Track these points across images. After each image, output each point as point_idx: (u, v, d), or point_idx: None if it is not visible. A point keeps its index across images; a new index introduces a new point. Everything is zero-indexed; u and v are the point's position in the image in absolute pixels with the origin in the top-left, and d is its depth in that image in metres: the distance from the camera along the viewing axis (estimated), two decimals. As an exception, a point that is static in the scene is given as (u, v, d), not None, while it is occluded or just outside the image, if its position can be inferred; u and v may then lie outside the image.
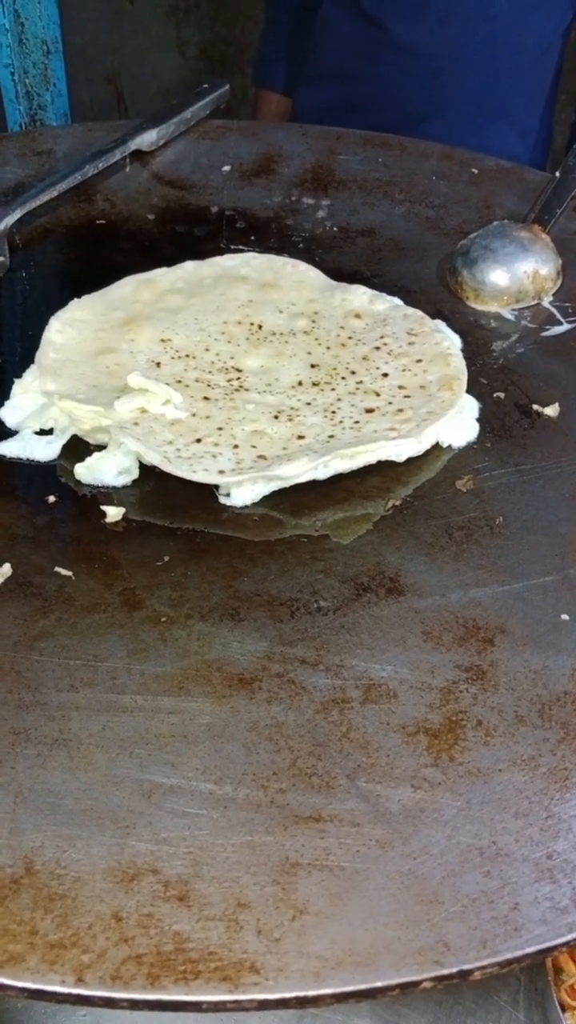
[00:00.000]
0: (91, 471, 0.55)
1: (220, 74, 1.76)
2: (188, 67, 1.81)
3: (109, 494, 0.54)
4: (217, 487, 0.54)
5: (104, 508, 0.52)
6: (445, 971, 0.32)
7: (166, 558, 0.50)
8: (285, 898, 0.34)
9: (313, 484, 0.55)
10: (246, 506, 0.54)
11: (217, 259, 0.70)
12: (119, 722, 0.41)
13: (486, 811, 0.38)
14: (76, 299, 0.65)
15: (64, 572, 0.49)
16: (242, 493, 0.54)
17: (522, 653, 0.46)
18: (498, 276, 0.69)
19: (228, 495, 0.54)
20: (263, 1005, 0.30)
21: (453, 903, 0.34)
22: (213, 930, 0.33)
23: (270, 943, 0.33)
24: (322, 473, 0.55)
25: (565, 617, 0.48)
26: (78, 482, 0.55)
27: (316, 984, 0.31)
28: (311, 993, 0.31)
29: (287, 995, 0.31)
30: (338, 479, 0.56)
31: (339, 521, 0.53)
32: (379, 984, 0.31)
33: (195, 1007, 0.31)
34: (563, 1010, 0.55)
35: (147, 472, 0.55)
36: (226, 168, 0.81)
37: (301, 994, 0.31)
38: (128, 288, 0.67)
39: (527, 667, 0.45)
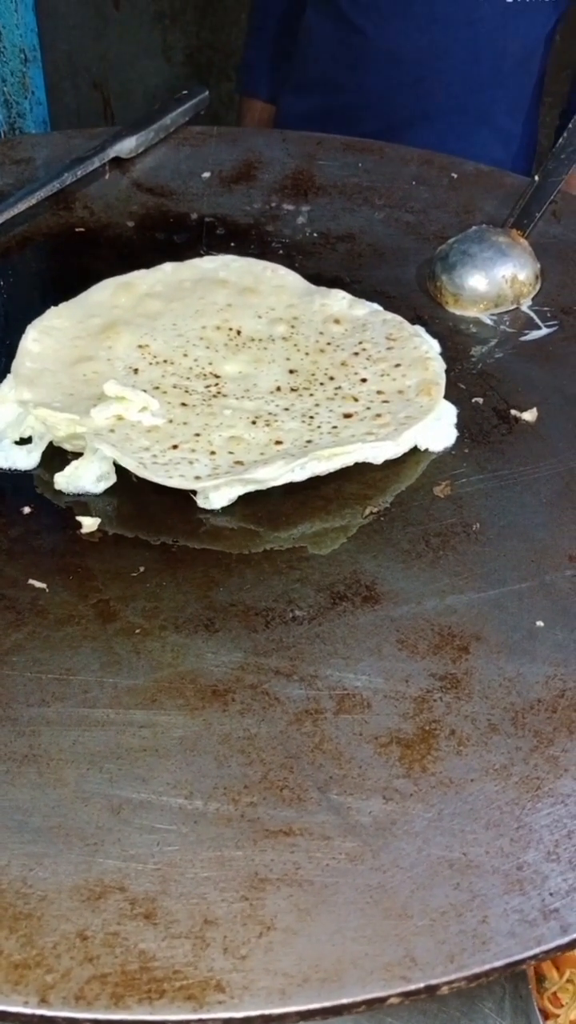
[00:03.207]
0: (70, 480, 0.55)
1: (206, 80, 1.76)
2: (174, 73, 1.81)
3: (86, 504, 0.54)
4: (195, 492, 0.54)
5: (80, 519, 0.52)
6: (412, 987, 0.31)
7: (141, 569, 0.50)
8: (253, 914, 0.34)
9: (291, 492, 0.55)
10: (222, 509, 0.53)
11: (196, 261, 0.70)
12: (90, 737, 0.41)
13: (457, 822, 0.38)
14: (53, 307, 0.65)
15: (38, 584, 0.48)
16: (218, 495, 0.54)
17: (497, 661, 0.46)
18: (477, 281, 0.69)
19: (207, 498, 0.54)
20: (227, 1024, 0.30)
21: (422, 917, 0.34)
22: (179, 948, 0.33)
23: (236, 960, 0.32)
24: (299, 475, 0.55)
25: (540, 624, 0.47)
26: (57, 492, 0.54)
27: (282, 1002, 0.31)
28: (276, 1011, 0.31)
29: (252, 1013, 0.31)
30: (316, 486, 0.55)
31: (317, 532, 0.53)
32: (345, 1001, 0.31)
33: (159, 1027, 0.30)
34: (546, 1017, 0.55)
35: (125, 483, 0.54)
36: (206, 174, 0.81)
37: (266, 1012, 0.31)
38: (106, 292, 0.67)
39: (501, 675, 0.45)
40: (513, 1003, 0.59)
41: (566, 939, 0.33)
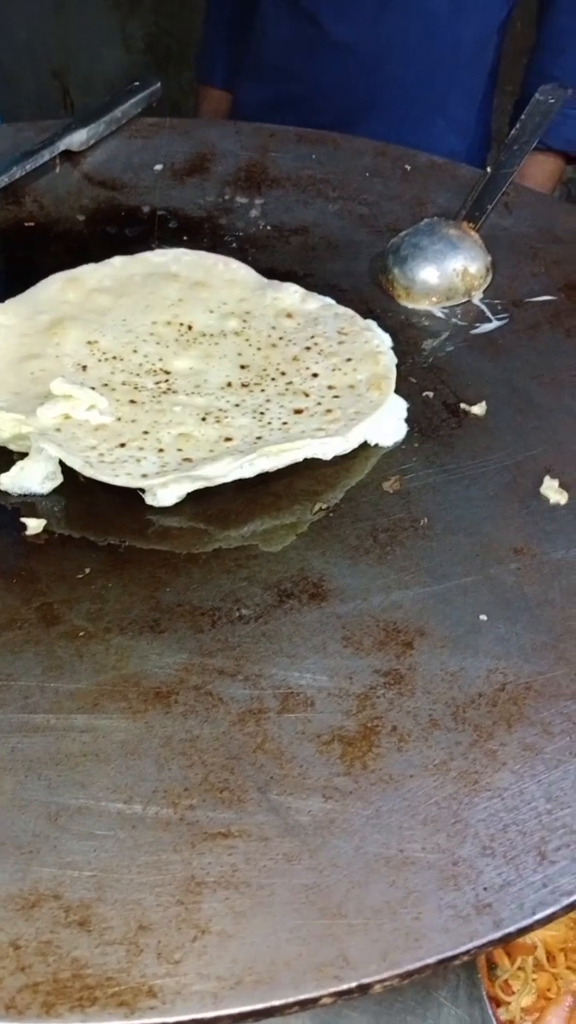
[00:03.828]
0: (15, 481, 0.54)
1: (165, 68, 1.75)
2: (133, 61, 1.79)
3: (33, 505, 0.53)
4: (143, 490, 0.54)
5: (24, 520, 0.52)
6: (344, 986, 0.32)
7: (87, 570, 0.50)
8: (188, 918, 0.34)
9: (240, 489, 0.55)
10: (172, 508, 0.53)
11: (146, 254, 0.69)
12: (29, 743, 0.41)
13: (395, 818, 0.38)
14: (0, 304, 0.64)
15: (-20, 588, 0.48)
16: (167, 492, 0.54)
17: (440, 655, 0.46)
18: (428, 274, 0.69)
19: (155, 495, 0.53)
20: (159, 1029, 0.30)
21: (356, 916, 0.34)
22: (112, 955, 0.33)
23: (170, 966, 0.33)
24: (248, 472, 0.55)
25: (483, 617, 0.48)
26: (4, 493, 0.54)
27: (214, 1006, 0.31)
28: (208, 1015, 0.31)
29: (184, 1018, 0.31)
30: (267, 483, 0.55)
31: (267, 529, 0.53)
32: (277, 1003, 0.31)
33: (91, 1034, 0.30)
34: (497, 1005, 0.55)
35: (73, 483, 0.54)
36: (158, 167, 0.80)
37: (198, 1016, 0.31)
38: (54, 288, 0.66)
39: (444, 669, 0.45)
40: (467, 991, 0.60)
41: (499, 934, 0.33)
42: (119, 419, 0.57)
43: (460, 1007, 0.59)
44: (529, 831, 0.38)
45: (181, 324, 0.65)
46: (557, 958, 0.58)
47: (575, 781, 0.40)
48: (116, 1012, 0.31)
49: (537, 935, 0.57)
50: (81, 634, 0.46)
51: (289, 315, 0.66)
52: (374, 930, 0.34)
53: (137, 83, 0.84)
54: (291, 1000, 0.31)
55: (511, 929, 0.33)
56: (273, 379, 0.61)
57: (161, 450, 0.56)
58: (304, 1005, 0.31)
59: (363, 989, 0.31)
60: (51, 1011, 0.31)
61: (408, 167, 0.81)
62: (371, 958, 0.33)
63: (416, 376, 0.63)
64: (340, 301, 0.67)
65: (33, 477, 0.54)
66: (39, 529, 0.52)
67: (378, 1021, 0.60)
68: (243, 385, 0.61)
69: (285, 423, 0.58)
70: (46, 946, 0.33)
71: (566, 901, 0.34)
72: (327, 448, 0.57)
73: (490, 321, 0.68)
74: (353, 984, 0.32)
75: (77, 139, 0.79)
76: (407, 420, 0.60)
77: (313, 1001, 0.31)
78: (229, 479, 0.55)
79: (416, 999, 0.61)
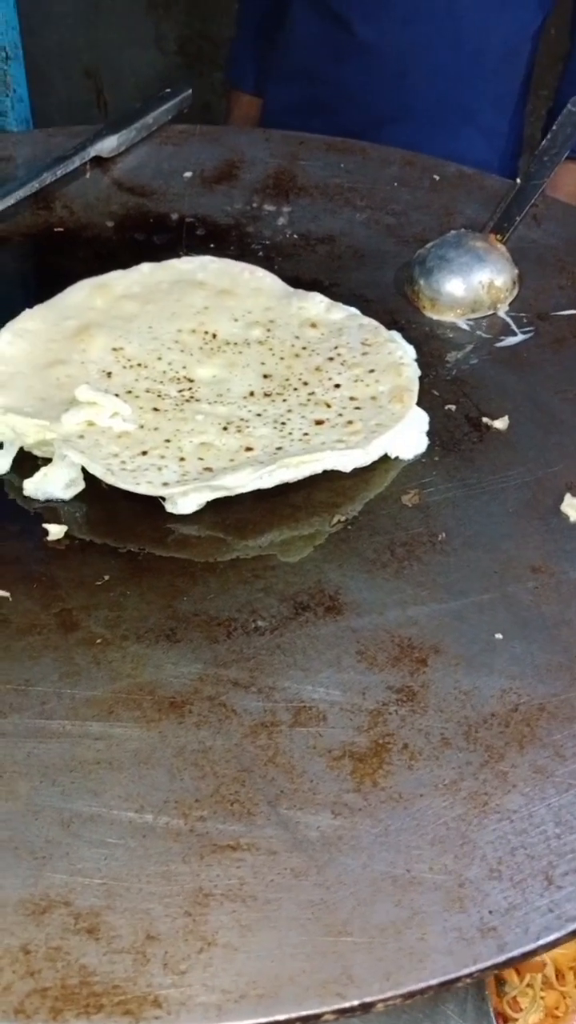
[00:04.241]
0: (39, 486, 0.55)
1: (198, 70, 1.75)
2: (167, 62, 1.80)
3: (55, 511, 0.54)
4: (163, 498, 0.54)
5: (47, 526, 0.53)
6: (347, 1004, 0.32)
7: (106, 577, 0.50)
8: (195, 930, 0.35)
9: (260, 499, 0.55)
10: (191, 517, 0.54)
11: (173, 262, 0.70)
12: (45, 749, 0.41)
13: (403, 837, 0.38)
14: (28, 309, 0.65)
15: (1, 593, 0.49)
16: (186, 501, 0.54)
17: (454, 674, 0.46)
18: (454, 286, 0.69)
19: (175, 503, 0.54)
20: (163, 1039, 0.31)
21: (361, 934, 0.35)
22: (120, 963, 0.33)
23: (176, 976, 0.33)
24: (267, 482, 0.55)
25: (499, 636, 0.48)
26: (27, 498, 0.55)
27: (217, 1018, 0.32)
28: (211, 1027, 0.31)
29: (187, 1029, 0.31)
30: (286, 493, 0.56)
31: (285, 540, 0.53)
32: (279, 1018, 0.32)
33: (96, 1041, 0.31)
34: (505, 1021, 0.55)
35: (96, 489, 0.55)
36: (187, 174, 0.81)
37: (201, 1028, 0.31)
38: (81, 294, 0.67)
39: (457, 688, 0.45)
40: (475, 1005, 0.60)
41: (502, 957, 0.34)
42: (142, 427, 0.58)
43: (468, 1021, 0.59)
44: (537, 855, 0.38)
45: (206, 332, 0.65)
46: (566, 976, 0.58)
47: (585, 805, 0.40)
48: (121, 1020, 0.31)
49: (547, 953, 0.57)
50: (98, 641, 0.47)
51: (313, 325, 0.66)
52: (378, 949, 0.34)
53: (169, 90, 0.85)
54: (294, 1016, 0.31)
55: (515, 953, 0.33)
56: (295, 389, 0.62)
57: (182, 459, 0.56)
58: (306, 1021, 0.31)
59: (365, 1008, 0.32)
60: (58, 1017, 0.31)
61: (436, 177, 0.81)
62: (374, 977, 0.33)
63: (439, 389, 0.63)
64: (365, 311, 0.67)
65: (56, 483, 0.55)
66: (60, 535, 0.52)
67: (384, 1032, 0.60)
68: (265, 395, 0.61)
69: (306, 434, 0.58)
70: (55, 952, 0.33)
71: (572, 927, 0.34)
72: (347, 460, 0.57)
73: (515, 334, 0.68)
74: (356, 1002, 0.32)
75: (108, 145, 0.80)
76: (428, 433, 0.60)
77: (315, 1018, 0.31)
78: (248, 489, 0.55)
79: (424, 1011, 0.61)
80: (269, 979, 0.33)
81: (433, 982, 0.33)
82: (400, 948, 0.34)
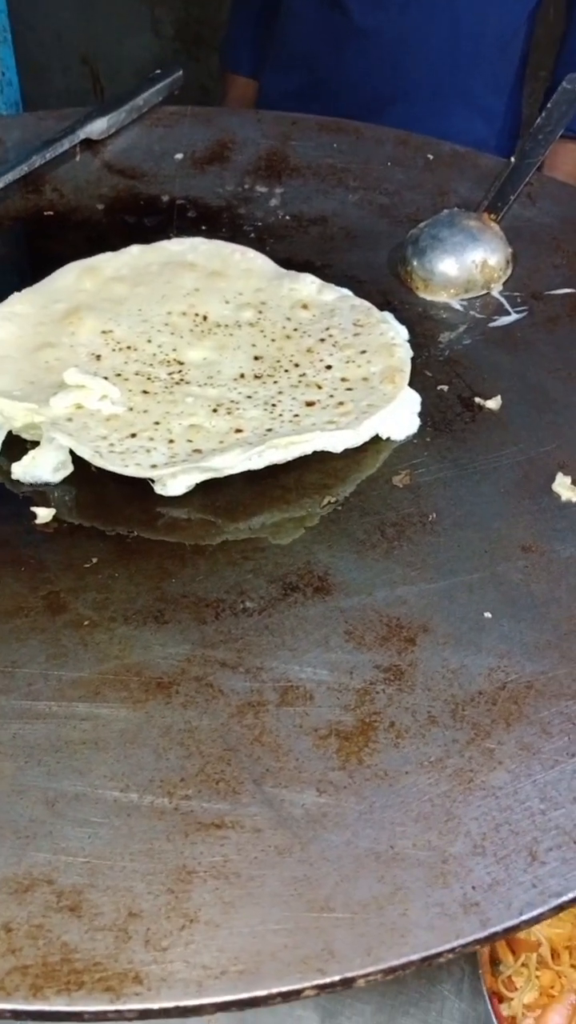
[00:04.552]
0: (27, 470, 0.55)
1: (195, 54, 1.74)
2: (163, 47, 1.79)
3: (44, 494, 0.54)
4: (153, 480, 0.54)
5: (35, 509, 0.52)
6: (327, 979, 0.32)
7: (95, 560, 0.50)
8: (177, 907, 0.35)
9: (250, 482, 0.55)
10: (181, 499, 0.53)
11: (164, 243, 0.70)
12: (31, 729, 0.41)
13: (388, 814, 0.38)
14: (16, 292, 0.64)
15: (-11, 576, 0.49)
16: (176, 482, 0.54)
17: (442, 652, 0.46)
18: (447, 266, 0.69)
19: (164, 484, 0.54)
20: (144, 1015, 0.31)
21: (344, 910, 0.34)
22: (101, 941, 0.33)
23: (157, 953, 0.33)
24: (256, 463, 0.55)
25: (488, 615, 0.48)
26: (16, 482, 0.55)
27: (198, 994, 0.32)
28: (192, 1003, 0.31)
29: (168, 1005, 0.31)
30: (276, 475, 0.55)
31: (276, 522, 0.53)
32: (260, 993, 0.32)
33: (76, 1017, 0.31)
34: (500, 1000, 0.55)
35: (85, 472, 0.55)
36: (179, 156, 0.80)
37: (182, 1004, 0.31)
38: (70, 277, 0.66)
39: (445, 666, 0.45)
40: (471, 984, 0.60)
41: (484, 933, 0.33)
42: (131, 409, 0.58)
43: (464, 1000, 0.60)
44: (521, 831, 0.37)
45: (196, 314, 0.65)
46: (561, 956, 0.58)
47: (571, 782, 0.39)
48: (102, 997, 0.31)
49: (542, 933, 0.57)
50: (86, 623, 0.47)
51: (305, 306, 0.66)
52: (360, 924, 0.34)
53: (159, 71, 0.84)
54: (274, 991, 0.31)
55: (497, 929, 0.33)
56: (286, 371, 0.61)
57: (171, 441, 0.56)
58: (287, 997, 0.31)
59: (346, 983, 0.32)
60: (38, 994, 0.31)
61: (430, 156, 0.81)
62: (356, 952, 0.33)
63: (432, 369, 0.63)
64: (358, 292, 0.67)
65: (44, 467, 0.55)
66: (49, 518, 0.52)
67: (382, 1012, 0.60)
68: (256, 377, 0.61)
69: (296, 415, 0.58)
70: (37, 930, 0.34)
71: (554, 902, 0.34)
72: (336, 441, 0.57)
73: (509, 314, 0.67)
74: (336, 978, 0.32)
75: (97, 128, 0.79)
76: (420, 414, 0.60)
77: (296, 993, 0.31)
78: (237, 470, 0.55)
79: (420, 991, 0.61)
80: (250, 955, 0.33)
81: (414, 957, 0.33)
82: (382, 924, 0.34)
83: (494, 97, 1.04)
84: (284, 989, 0.32)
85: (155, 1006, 0.31)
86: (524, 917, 0.34)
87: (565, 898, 0.34)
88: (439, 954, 0.32)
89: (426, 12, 0.96)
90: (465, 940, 0.33)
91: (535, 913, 0.34)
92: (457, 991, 0.60)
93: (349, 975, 0.32)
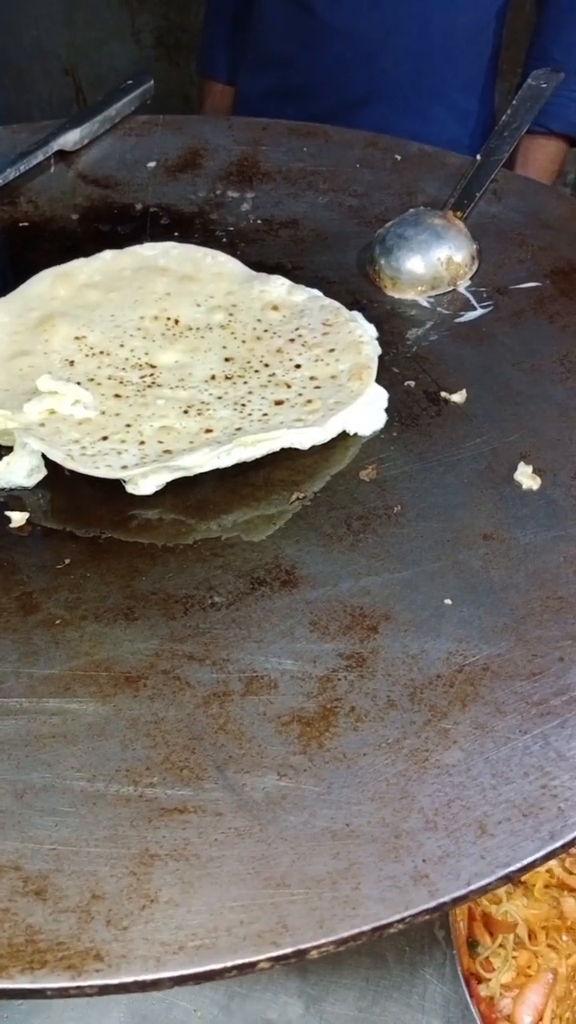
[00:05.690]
0: (1, 475, 0.56)
1: (176, 61, 1.76)
2: (144, 55, 1.81)
3: (19, 498, 0.55)
4: (125, 481, 0.55)
5: (8, 513, 0.54)
6: (281, 952, 0.33)
7: (67, 561, 0.52)
8: (139, 888, 0.36)
9: (220, 481, 0.56)
10: (153, 500, 0.54)
11: (136, 248, 0.71)
12: (1, 726, 0.43)
13: (345, 794, 0.39)
14: (-9, 303, 0.66)
15: (-38, 580, 0.50)
16: (147, 482, 0.55)
17: (403, 639, 0.47)
18: (413, 264, 0.70)
19: (136, 484, 0.55)
20: (103, 990, 0.32)
21: (299, 886, 0.36)
22: (64, 922, 0.35)
23: (118, 932, 0.34)
24: (225, 461, 0.56)
25: (448, 601, 0.49)
26: (-10, 488, 0.56)
27: (156, 968, 0.33)
28: (150, 977, 0.33)
29: (126, 979, 0.33)
30: (246, 474, 0.57)
31: (246, 520, 0.54)
32: (215, 966, 0.33)
33: (39, 994, 0.32)
34: (478, 981, 0.56)
35: (59, 476, 0.56)
36: (151, 164, 0.82)
37: (140, 978, 0.33)
38: (44, 284, 0.68)
39: (405, 652, 0.46)
40: (453, 969, 0.61)
41: (433, 903, 0.35)
42: (103, 413, 0.59)
43: (446, 984, 0.61)
44: (473, 806, 0.39)
45: (168, 318, 0.66)
46: (538, 936, 0.59)
47: (522, 758, 0.41)
48: (64, 974, 0.33)
49: (519, 914, 0.58)
50: (57, 622, 0.48)
51: (275, 307, 0.67)
52: (314, 899, 0.35)
53: (131, 81, 0.86)
54: (229, 964, 0.33)
55: (445, 899, 0.35)
56: (256, 371, 0.63)
57: (142, 443, 0.57)
58: (242, 969, 0.33)
59: (299, 955, 0.33)
60: (3, 973, 0.33)
61: (398, 157, 0.82)
62: (308, 926, 0.34)
63: (399, 366, 0.64)
64: (328, 293, 0.68)
65: (18, 471, 0.56)
66: (22, 522, 0.54)
67: (365, 997, 0.61)
68: (227, 378, 0.62)
69: (265, 414, 0.59)
70: (3, 913, 0.35)
71: (501, 872, 0.35)
72: (303, 438, 0.58)
73: (475, 309, 0.69)
74: (289, 950, 0.33)
75: (71, 139, 0.81)
76: (387, 409, 0.61)
77: (251, 966, 0.33)
78: (206, 469, 0.56)
79: (403, 976, 0.62)
80: (207, 931, 0.34)
81: (365, 928, 0.34)
82: (335, 898, 0.35)
83: (466, 95, 1.05)
84: (239, 962, 0.33)
85: (114, 981, 0.33)
86: (472, 887, 0.35)
87: (512, 868, 0.35)
88: (389, 924, 0.34)
89: (395, 10, 0.97)
90: (414, 911, 0.34)
91: (483, 883, 0.35)
92: (439, 975, 0.62)
93: (302, 947, 0.33)
